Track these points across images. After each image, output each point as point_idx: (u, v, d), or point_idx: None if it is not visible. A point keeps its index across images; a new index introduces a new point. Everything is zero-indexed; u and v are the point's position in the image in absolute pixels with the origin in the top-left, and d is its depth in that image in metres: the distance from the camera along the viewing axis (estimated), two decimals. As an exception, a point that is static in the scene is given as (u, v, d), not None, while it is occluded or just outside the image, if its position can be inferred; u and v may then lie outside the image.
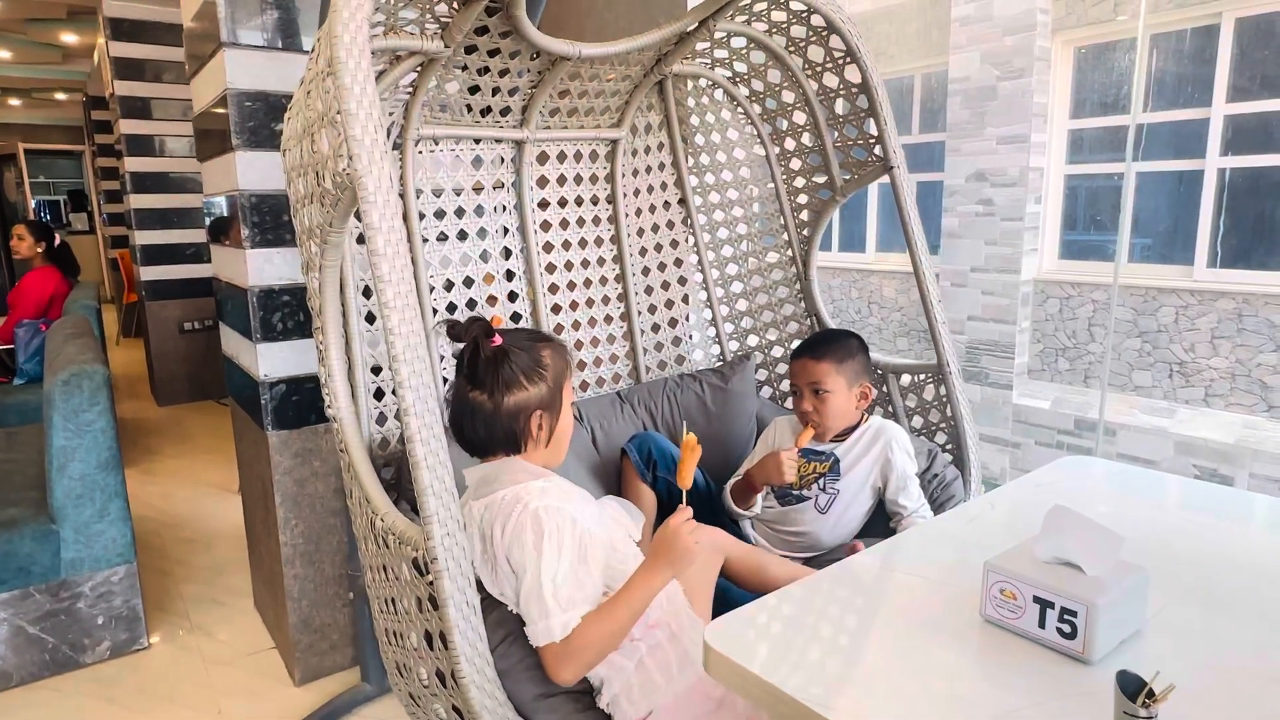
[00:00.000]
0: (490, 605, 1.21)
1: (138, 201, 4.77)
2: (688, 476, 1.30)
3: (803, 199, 2.15)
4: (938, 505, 1.75)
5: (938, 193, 5.33)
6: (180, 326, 4.98)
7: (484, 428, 1.23)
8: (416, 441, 1.01)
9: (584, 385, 2.06)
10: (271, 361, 1.91)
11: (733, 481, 1.75)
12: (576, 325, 2.05)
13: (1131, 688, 0.68)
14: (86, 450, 2.11)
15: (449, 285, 1.82)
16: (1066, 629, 0.82)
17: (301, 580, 2.02)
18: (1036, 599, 0.84)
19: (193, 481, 3.65)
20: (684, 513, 1.21)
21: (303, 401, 1.96)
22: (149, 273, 4.89)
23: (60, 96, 9.07)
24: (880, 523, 1.73)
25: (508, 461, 1.25)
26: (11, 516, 2.11)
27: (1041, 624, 0.83)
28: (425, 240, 1.77)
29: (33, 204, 11.14)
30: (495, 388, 1.22)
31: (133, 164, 4.72)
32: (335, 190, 1.14)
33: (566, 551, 1.14)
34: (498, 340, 1.24)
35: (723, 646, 0.86)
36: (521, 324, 1.95)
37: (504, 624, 1.20)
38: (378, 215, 1.02)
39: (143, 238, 4.83)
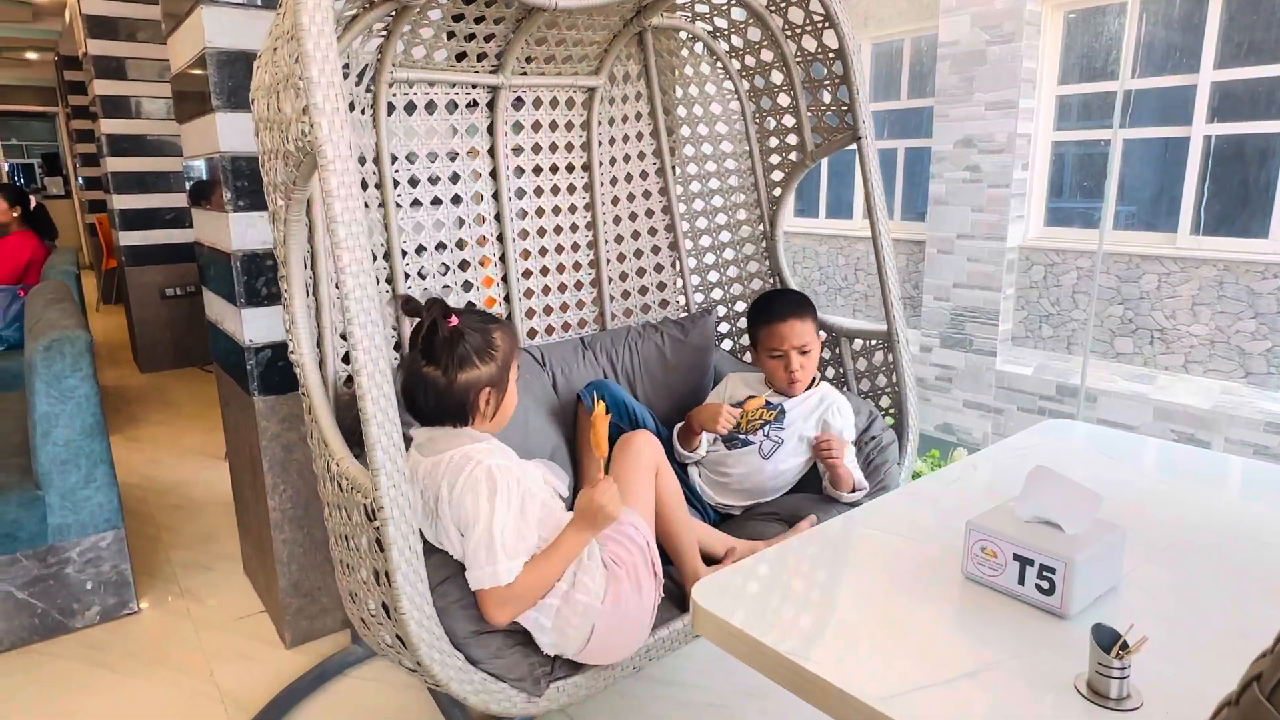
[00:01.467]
0: (430, 549, 1.30)
1: (115, 165, 4.68)
2: (602, 443, 1.38)
3: (775, 159, 2.19)
4: (871, 466, 1.84)
5: (925, 159, 5.32)
6: (162, 292, 4.92)
7: (435, 400, 1.33)
8: (368, 399, 1.07)
9: (549, 329, 2.10)
10: (256, 326, 1.90)
11: (679, 426, 1.84)
12: (545, 271, 2.08)
13: (1106, 640, 0.70)
14: (70, 416, 2.10)
15: (421, 250, 1.82)
16: (1045, 585, 0.84)
17: (290, 544, 2.03)
18: (1017, 556, 0.86)
19: (178, 448, 3.64)
20: (606, 481, 1.30)
21: (289, 367, 1.95)
22: (128, 238, 4.81)
23: (31, 56, 8.84)
24: (815, 481, 1.83)
25: (455, 430, 1.34)
26: (-4, 483, 2.10)
27: (1021, 580, 0.86)
28: (399, 205, 1.77)
29: (5, 167, 10.91)
30: (450, 365, 1.31)
31: (108, 126, 4.62)
32: (297, 153, 1.15)
33: (513, 506, 1.24)
34: (454, 321, 1.32)
35: (709, 604, 0.88)
36: (493, 267, 1.99)
37: (444, 567, 1.30)
38: (336, 182, 1.05)
39: (121, 202, 4.75)
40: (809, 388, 1.85)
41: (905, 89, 5.76)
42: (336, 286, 1.54)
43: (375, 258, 1.74)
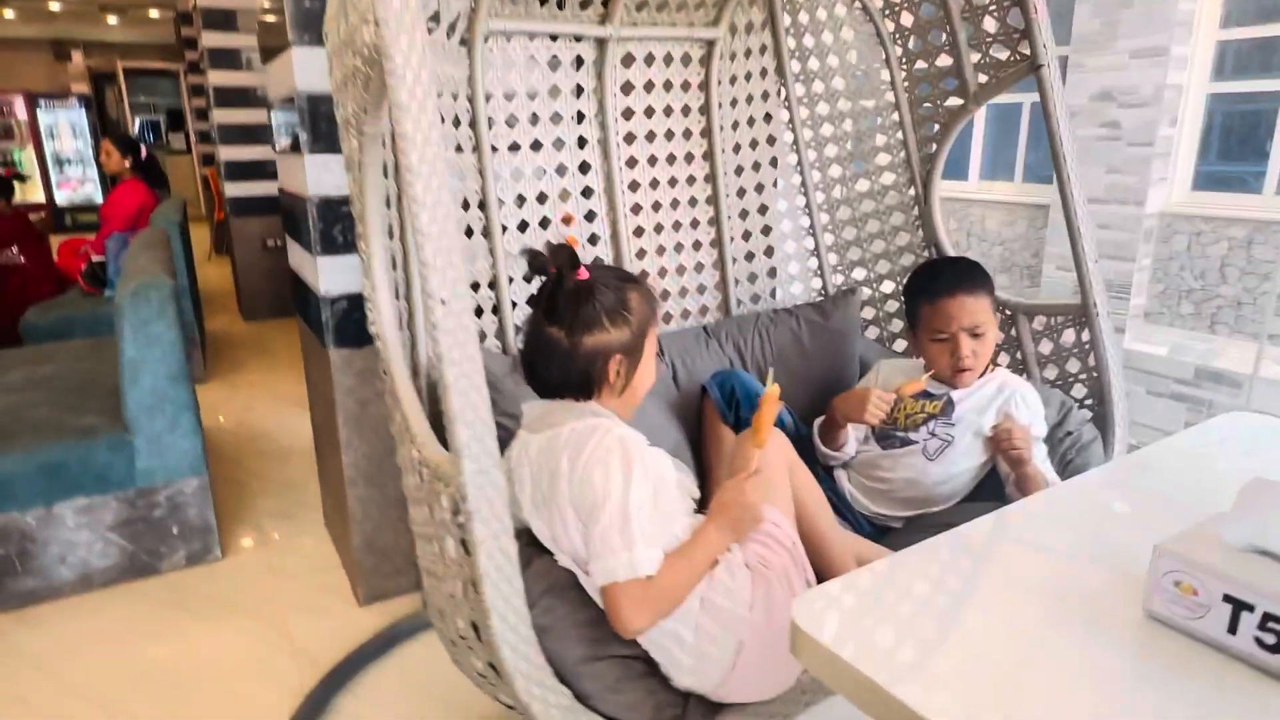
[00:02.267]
0: (530, 554, 1.11)
1: (221, 117, 4.77)
2: (764, 433, 1.18)
3: (927, 108, 1.87)
4: (1070, 469, 1.53)
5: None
6: (263, 242, 5.03)
7: (558, 368, 1.12)
8: (447, 362, 0.89)
9: (668, 317, 1.91)
10: (332, 276, 1.82)
11: (819, 420, 1.59)
12: (661, 250, 1.88)
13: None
14: (156, 362, 2.09)
15: (520, 200, 1.67)
16: (1270, 640, 0.63)
17: (364, 502, 1.97)
18: (1228, 598, 0.65)
19: (273, 396, 3.70)
20: (757, 476, 1.12)
21: (364, 318, 1.87)
22: (233, 189, 4.92)
23: (153, 14, 9.19)
24: (995, 487, 1.53)
25: (578, 404, 1.14)
26: (91, 425, 2.13)
27: (1233, 629, 0.65)
28: (495, 149, 1.62)
29: (135, 124, 11.48)
30: (575, 325, 1.10)
31: (215, 78, 4.70)
32: (365, 66, 0.99)
33: (649, 485, 1.04)
34: (584, 274, 1.11)
35: (812, 627, 0.72)
36: (599, 247, 1.81)
37: (546, 575, 1.09)
38: (405, 93, 0.86)
39: (226, 153, 4.85)
40: (981, 375, 1.54)
41: (1036, 37, 5.24)
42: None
43: (469, 205, 1.61)
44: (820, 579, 1.26)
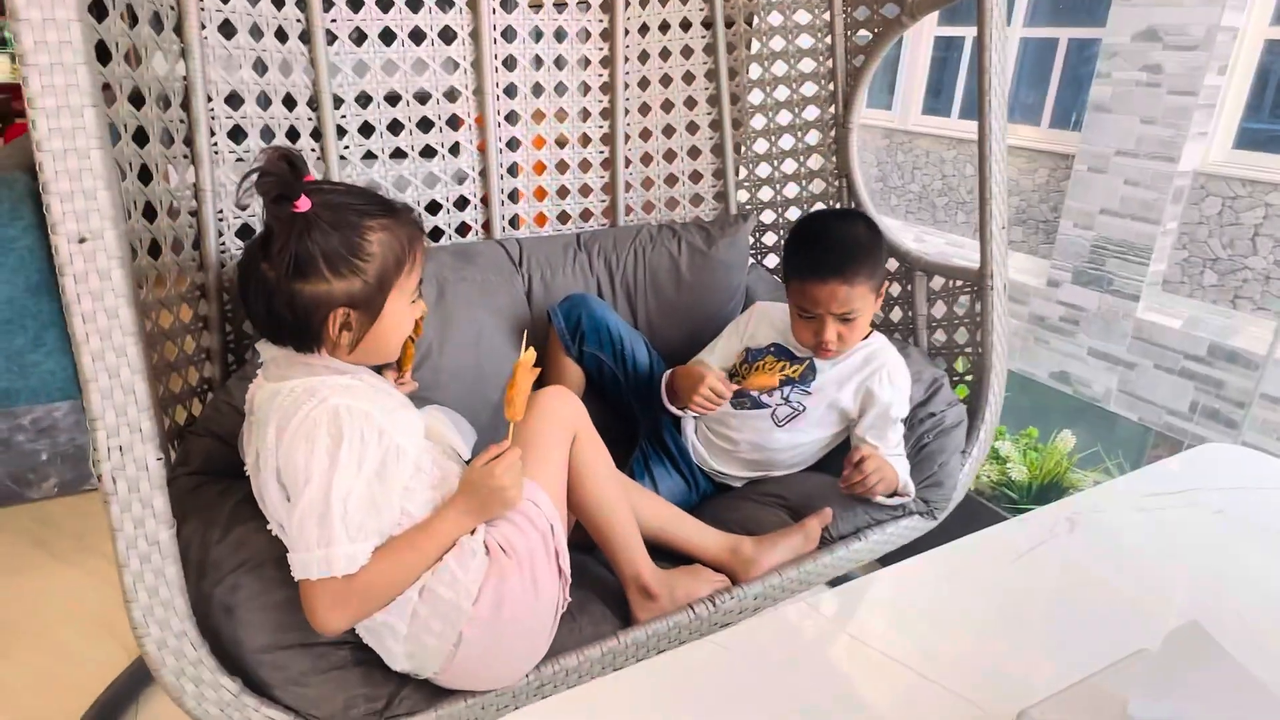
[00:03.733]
0: (240, 517, 1.00)
1: None
2: (520, 405, 1.00)
3: (861, 13, 1.64)
4: (924, 453, 1.35)
5: (1092, 54, 4.38)
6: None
7: (268, 312, 0.91)
8: (73, 313, 0.74)
9: (540, 218, 1.69)
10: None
11: (667, 373, 1.41)
12: (540, 142, 1.65)
13: None
14: (11, 272, 1.86)
15: (365, 100, 1.41)
16: None
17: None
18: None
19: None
20: (512, 452, 0.95)
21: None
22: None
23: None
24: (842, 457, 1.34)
25: (306, 356, 0.94)
26: (-56, 334, 1.91)
27: None
28: (333, 38, 1.34)
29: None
30: (287, 268, 0.87)
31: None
32: None
33: (367, 466, 0.87)
34: (303, 203, 0.87)
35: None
36: (463, 134, 1.55)
37: (243, 547, 0.96)
38: None
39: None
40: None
41: (1083, -36, 4.73)
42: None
43: (296, 103, 1.34)
44: (606, 555, 1.13)
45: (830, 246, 1.29)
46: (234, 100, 1.27)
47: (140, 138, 1.11)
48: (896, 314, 1.64)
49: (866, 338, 1.37)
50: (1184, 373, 3.92)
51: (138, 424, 0.79)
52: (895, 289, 1.62)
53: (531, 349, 1.03)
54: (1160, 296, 4.24)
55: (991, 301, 1.42)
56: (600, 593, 1.13)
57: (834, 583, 1.38)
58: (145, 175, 1.11)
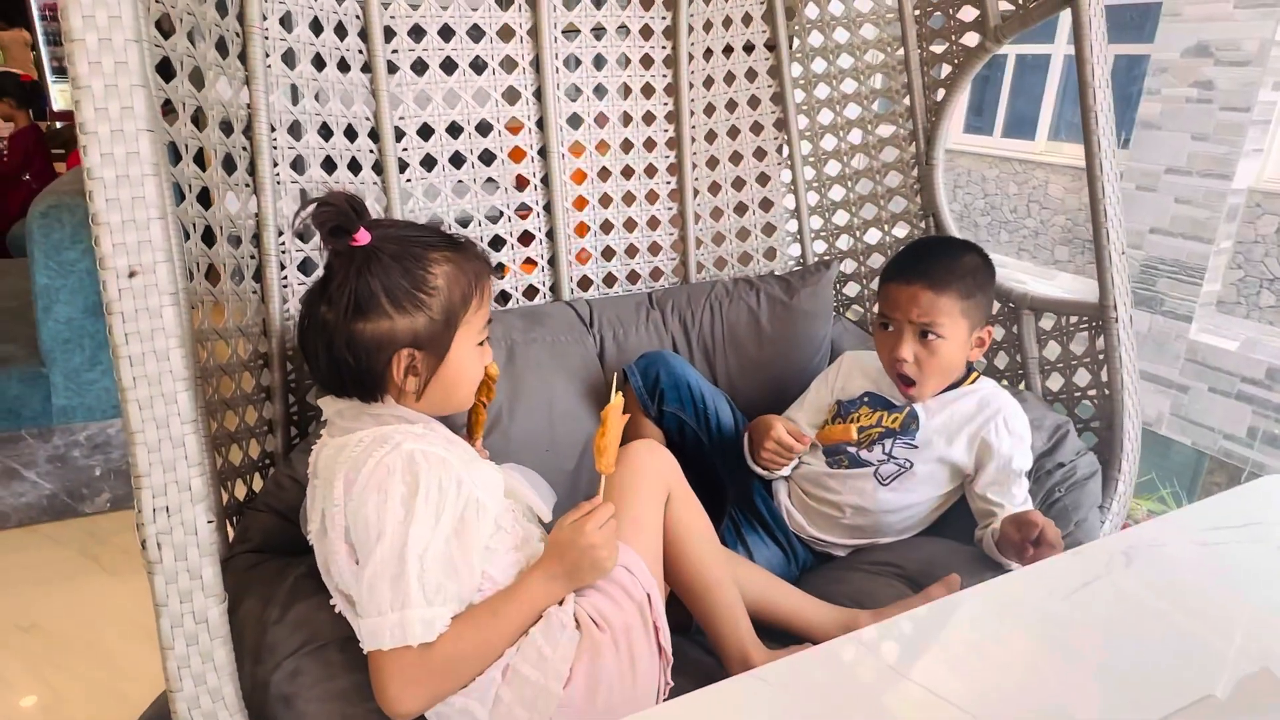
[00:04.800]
0: (301, 593, 0.89)
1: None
2: (611, 455, 0.90)
3: (938, 47, 1.55)
4: (1056, 508, 1.22)
5: (1139, 70, 4.29)
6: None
7: (329, 359, 0.85)
8: (121, 358, 0.68)
9: (609, 278, 1.63)
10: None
11: (748, 427, 1.31)
12: (606, 200, 1.59)
13: None
14: (71, 293, 1.92)
15: (426, 132, 1.41)
16: None
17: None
18: None
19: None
20: (604, 509, 0.85)
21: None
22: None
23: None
24: (963, 519, 1.24)
25: (372, 405, 0.88)
26: (6, 354, 1.98)
27: None
28: (394, 68, 1.35)
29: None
30: (347, 307, 0.82)
31: None
32: None
33: (445, 520, 0.78)
34: (362, 237, 0.82)
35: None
36: (529, 194, 1.51)
37: (304, 626, 0.86)
38: None
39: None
40: (956, 385, 1.24)
41: (1129, -21, 4.65)
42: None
43: (357, 134, 1.35)
44: (708, 633, 1.01)
45: (924, 255, 1.22)
46: (295, 130, 1.24)
47: (199, 160, 1.07)
48: (1002, 359, 1.52)
49: (972, 382, 1.25)
50: (1241, 396, 3.79)
51: (187, 482, 0.72)
52: (999, 333, 1.51)
53: (620, 394, 0.94)
54: (1215, 317, 4.12)
55: (1117, 336, 1.30)
56: (696, 676, 0.99)
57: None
58: (204, 199, 1.08)
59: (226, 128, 1.14)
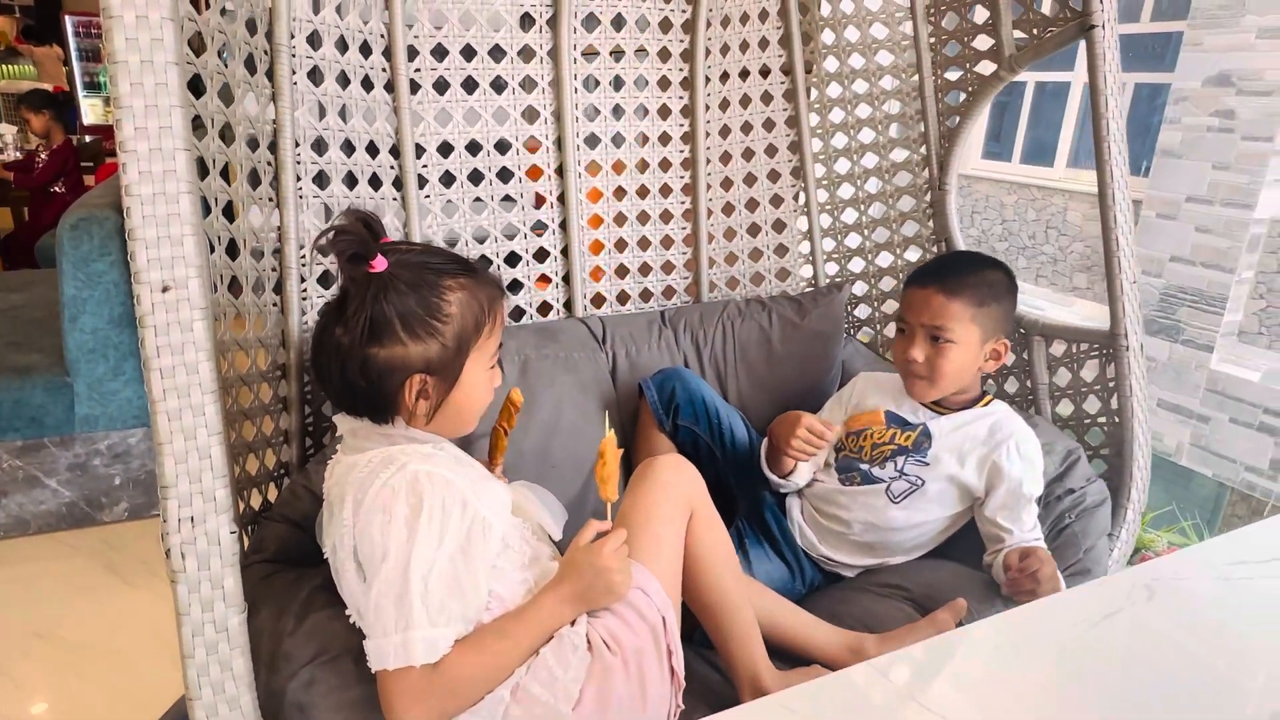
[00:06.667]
0: (316, 604, 0.90)
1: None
2: (613, 484, 0.91)
3: (953, 74, 1.56)
4: (1064, 536, 1.22)
5: (1160, 99, 4.29)
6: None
7: (341, 380, 0.86)
8: (153, 370, 0.69)
9: (622, 296, 1.65)
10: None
11: (766, 440, 1.31)
12: (621, 219, 1.61)
13: None
14: (98, 303, 1.95)
15: (446, 149, 1.43)
16: None
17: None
18: None
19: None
20: (617, 534, 0.86)
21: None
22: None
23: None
24: (971, 543, 1.24)
25: (383, 426, 0.89)
26: (30, 363, 2.02)
27: None
28: (416, 87, 1.37)
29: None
30: (361, 331, 0.83)
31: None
32: None
33: (449, 540, 0.79)
34: (380, 262, 0.84)
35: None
36: (545, 212, 1.54)
37: (317, 636, 0.87)
38: None
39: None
40: (970, 406, 1.26)
41: (1148, 8, 4.65)
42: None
43: (378, 150, 1.38)
44: (720, 653, 1.01)
45: (946, 262, 1.27)
46: (319, 146, 1.27)
47: (225, 174, 1.10)
48: (1013, 385, 1.53)
49: (986, 404, 1.26)
50: (1263, 428, 3.74)
51: (212, 492, 0.74)
52: (1010, 358, 1.49)
53: (612, 430, 0.95)
54: (1236, 347, 4.07)
55: (1128, 364, 1.30)
56: (704, 694, 1.00)
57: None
58: (229, 212, 1.10)
59: (253, 143, 1.17)
